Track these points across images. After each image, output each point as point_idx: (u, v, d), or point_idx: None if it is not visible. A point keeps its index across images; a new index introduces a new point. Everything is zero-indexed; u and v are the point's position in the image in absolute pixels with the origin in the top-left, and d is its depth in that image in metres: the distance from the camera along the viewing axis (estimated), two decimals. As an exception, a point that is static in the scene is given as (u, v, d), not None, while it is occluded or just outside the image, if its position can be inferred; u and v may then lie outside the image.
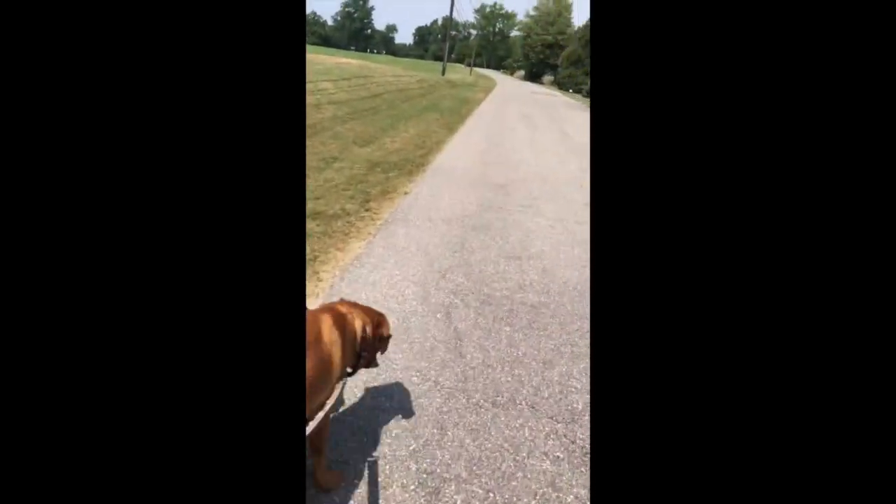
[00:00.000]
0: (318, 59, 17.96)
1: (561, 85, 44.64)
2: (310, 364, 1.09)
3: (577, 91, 38.20)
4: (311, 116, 7.87)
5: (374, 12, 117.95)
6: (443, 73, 29.34)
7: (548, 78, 57.72)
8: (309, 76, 9.86)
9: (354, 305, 1.44)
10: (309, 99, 8.57)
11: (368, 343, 1.39)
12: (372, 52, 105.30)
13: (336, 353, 1.24)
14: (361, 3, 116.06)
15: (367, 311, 1.46)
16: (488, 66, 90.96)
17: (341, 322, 1.30)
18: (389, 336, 1.52)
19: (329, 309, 1.33)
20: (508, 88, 31.29)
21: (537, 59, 60.26)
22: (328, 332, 1.23)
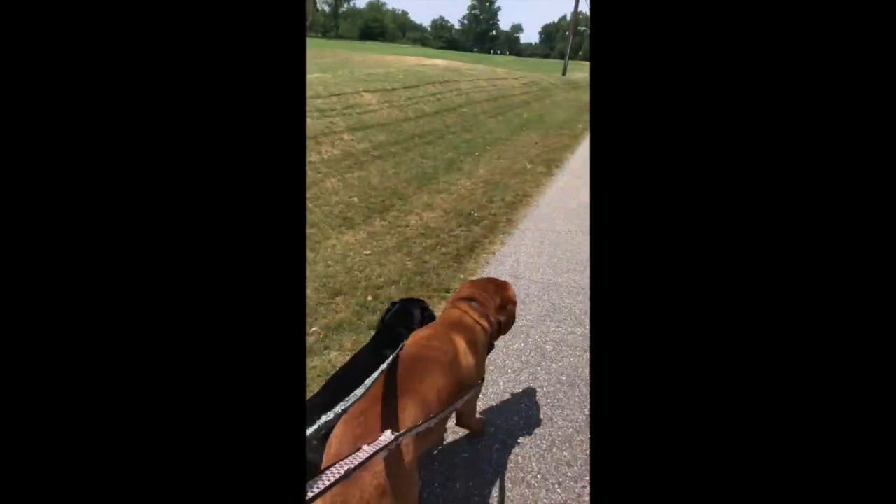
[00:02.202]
0: (383, 61, 15.38)
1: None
2: (445, 386, 1.15)
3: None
4: (308, 155, 4.76)
5: (500, 13, 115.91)
6: (563, 72, 25.44)
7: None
8: (348, 84, 7.04)
9: (478, 297, 1.45)
10: (314, 125, 5.35)
11: (496, 331, 1.47)
12: (495, 52, 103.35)
13: (472, 366, 1.30)
14: (488, 4, 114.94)
15: (490, 294, 1.47)
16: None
17: (471, 336, 1.34)
18: (514, 305, 1.54)
19: (457, 326, 1.34)
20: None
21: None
22: (463, 354, 1.28)
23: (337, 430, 1.02)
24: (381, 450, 0.87)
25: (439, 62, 12.95)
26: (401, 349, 1.21)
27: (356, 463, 0.80)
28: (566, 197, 5.06)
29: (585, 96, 16.67)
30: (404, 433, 0.95)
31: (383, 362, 1.10)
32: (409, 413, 1.06)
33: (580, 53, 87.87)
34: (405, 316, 1.62)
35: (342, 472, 0.77)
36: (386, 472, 0.93)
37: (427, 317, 1.64)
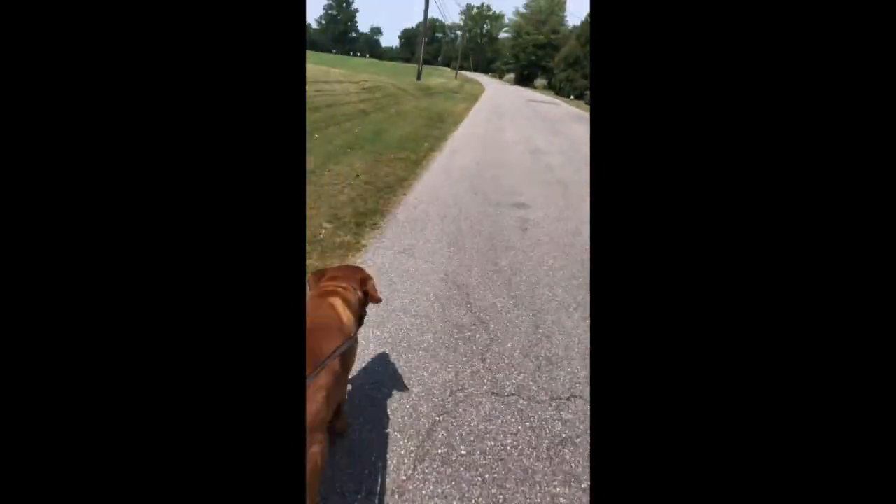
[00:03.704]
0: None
1: (558, 90, 39.39)
2: (336, 338, 1.35)
3: (579, 97, 32.76)
4: None
5: (358, 14, 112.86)
6: (418, 76, 23.69)
7: (540, 81, 52.91)
8: None
9: (343, 276, 1.65)
10: None
11: (363, 302, 1.65)
12: (354, 55, 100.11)
13: (352, 327, 1.50)
14: (345, 5, 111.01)
15: (352, 275, 1.67)
16: (476, 70, 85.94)
17: (346, 298, 1.53)
18: (372, 280, 1.71)
19: (333, 292, 1.52)
20: (499, 95, 25.68)
21: (528, 60, 55.24)
22: (344, 312, 1.49)
23: None
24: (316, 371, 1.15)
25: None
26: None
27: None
28: (378, 310, 2.70)
29: (439, 104, 14.81)
30: (326, 359, 1.22)
31: None
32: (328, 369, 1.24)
33: (439, 59, 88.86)
34: None
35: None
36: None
37: None
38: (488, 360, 2.32)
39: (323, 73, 11.43)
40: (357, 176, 5.34)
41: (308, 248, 3.33)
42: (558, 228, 4.38)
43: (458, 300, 2.87)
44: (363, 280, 1.69)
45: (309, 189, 4.64)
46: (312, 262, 3.14)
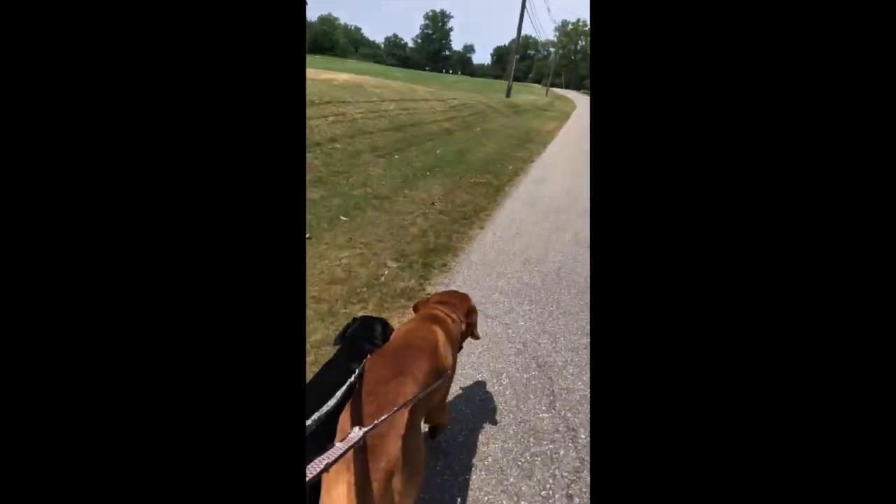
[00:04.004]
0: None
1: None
2: (428, 370, 1.23)
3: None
4: None
5: (452, 33, 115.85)
6: (507, 93, 23.25)
7: (638, 99, 49.83)
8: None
9: (451, 302, 1.60)
10: None
11: (465, 335, 1.61)
12: (447, 72, 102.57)
13: (449, 357, 1.41)
14: (440, 24, 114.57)
15: (460, 304, 1.61)
16: (567, 87, 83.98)
17: (447, 329, 1.46)
18: (477, 313, 1.68)
19: (435, 319, 1.47)
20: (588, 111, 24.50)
21: (626, 77, 52.44)
22: (443, 344, 1.39)
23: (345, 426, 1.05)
24: (384, 419, 0.98)
25: (342, 76, 9.98)
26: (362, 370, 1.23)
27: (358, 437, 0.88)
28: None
29: (528, 123, 14.19)
30: (401, 407, 1.04)
31: (351, 376, 1.17)
32: (410, 391, 1.12)
33: (530, 76, 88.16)
34: (368, 330, 1.61)
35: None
36: (397, 447, 1.00)
37: (388, 331, 1.62)
38: (576, 500, 1.65)
39: (409, 90, 11.29)
40: (432, 204, 4.87)
41: (366, 293, 2.87)
42: None
43: (539, 387, 2.22)
44: (469, 311, 1.64)
45: (380, 218, 4.25)
46: (369, 311, 2.67)
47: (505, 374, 2.29)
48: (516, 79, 51.31)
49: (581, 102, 36.75)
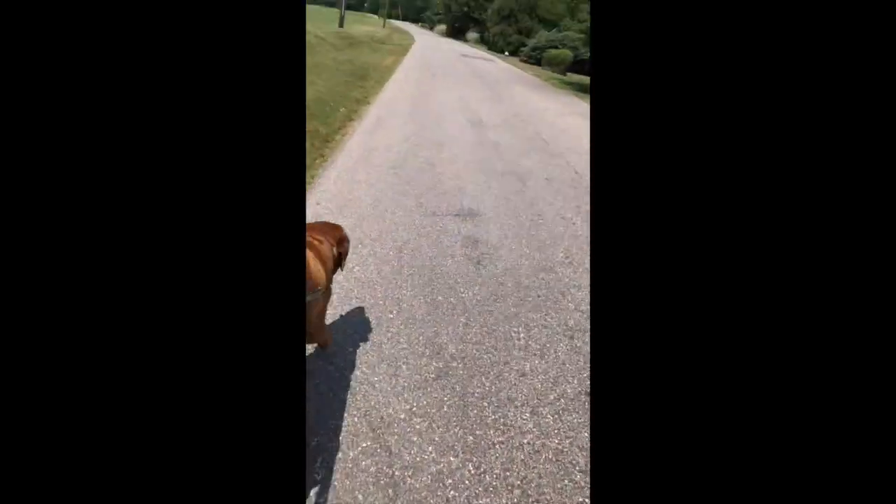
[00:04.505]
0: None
1: (490, 45, 37.59)
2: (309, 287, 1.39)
3: (514, 53, 31.32)
4: None
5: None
6: (340, 24, 21.05)
7: (472, 35, 50.55)
8: None
9: (320, 229, 1.69)
10: None
11: (336, 261, 1.71)
12: None
13: (321, 274, 1.52)
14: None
15: (329, 231, 1.71)
16: (405, 19, 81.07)
17: (315, 250, 1.55)
18: (348, 241, 1.79)
19: (309, 245, 1.54)
20: (430, 48, 23.61)
21: (460, 12, 52.33)
22: (312, 263, 1.49)
23: None
24: None
25: None
26: None
27: None
28: None
29: (364, 57, 12.84)
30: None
31: None
32: None
33: (365, 5, 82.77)
34: None
35: None
36: None
37: None
38: None
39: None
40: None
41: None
42: (525, 262, 3.09)
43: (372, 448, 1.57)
44: (340, 240, 1.72)
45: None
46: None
47: (345, 435, 1.58)
48: (351, 8, 47.39)
49: (419, 35, 35.55)
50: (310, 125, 5.22)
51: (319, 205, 3.33)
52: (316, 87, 7.50)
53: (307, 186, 3.59)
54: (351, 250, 2.76)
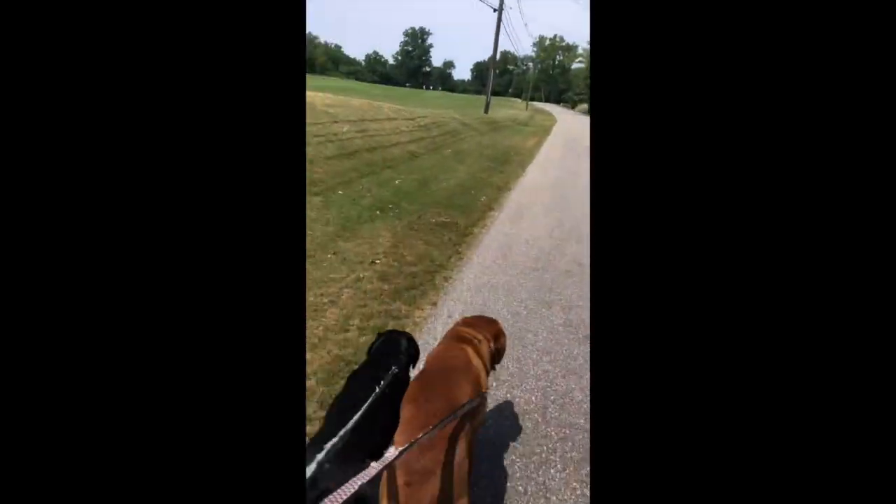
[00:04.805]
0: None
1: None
2: (468, 390, 1.27)
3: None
4: None
5: (432, 49, 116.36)
6: (486, 109, 22.25)
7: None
8: None
9: (477, 324, 1.61)
10: None
11: (494, 356, 1.59)
12: (428, 88, 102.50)
13: (482, 374, 1.42)
14: (420, 41, 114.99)
15: (486, 327, 1.62)
16: (547, 100, 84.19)
17: (475, 348, 1.48)
18: (505, 337, 1.69)
19: (464, 339, 1.50)
20: (573, 127, 23.55)
21: (605, 90, 52.35)
22: (475, 361, 1.42)
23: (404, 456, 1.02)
24: (431, 431, 1.03)
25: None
26: (392, 377, 1.39)
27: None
28: None
29: (506, 140, 13.05)
30: (437, 425, 1.05)
31: (378, 389, 1.27)
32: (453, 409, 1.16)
33: (510, 90, 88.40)
34: (392, 345, 1.63)
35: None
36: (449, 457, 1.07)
37: (413, 346, 1.66)
38: None
39: (371, 108, 10.03)
40: (372, 262, 3.58)
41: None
42: None
43: None
44: (497, 334, 1.63)
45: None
46: None
47: None
48: (496, 94, 50.78)
49: (560, 115, 36.10)
50: (447, 216, 5.03)
51: (450, 317, 2.90)
52: (457, 174, 7.53)
53: (437, 300, 3.21)
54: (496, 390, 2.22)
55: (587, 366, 2.52)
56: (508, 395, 2.22)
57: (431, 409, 1.15)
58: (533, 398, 2.21)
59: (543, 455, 1.87)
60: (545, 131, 18.62)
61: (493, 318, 1.73)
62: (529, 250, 4.30)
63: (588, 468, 1.81)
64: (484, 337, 1.55)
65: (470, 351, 1.45)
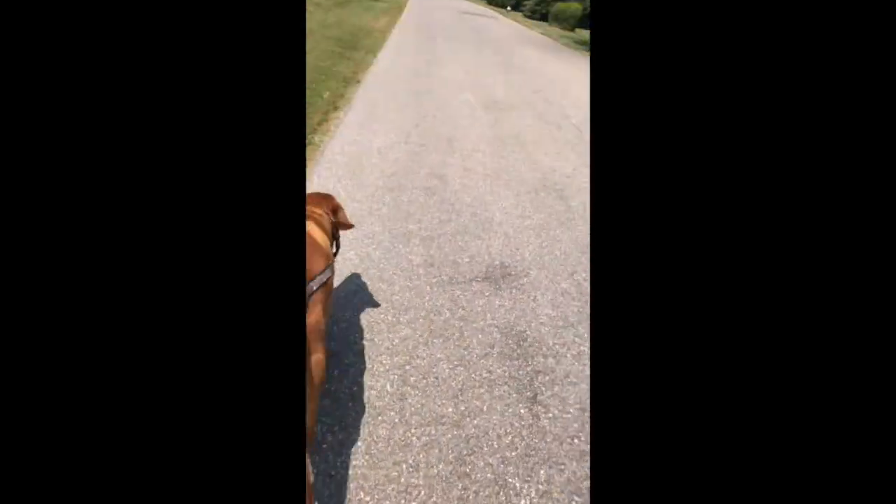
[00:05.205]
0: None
1: (491, 0, 35.02)
2: (321, 262, 1.34)
3: (515, 8, 29.03)
4: None
5: None
6: (328, -21, 19.01)
7: (473, -12, 47.50)
8: None
9: (314, 202, 1.65)
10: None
11: (335, 228, 1.70)
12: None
13: (328, 248, 1.51)
14: None
15: (322, 202, 1.69)
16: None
17: (319, 222, 1.55)
18: (344, 213, 1.75)
19: (308, 217, 1.52)
20: (428, 6, 21.58)
21: (459, -38, 48.93)
22: (320, 236, 1.47)
23: None
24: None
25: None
26: None
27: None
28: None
29: (354, 17, 11.27)
30: (317, 281, 1.26)
31: None
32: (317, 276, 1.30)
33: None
34: None
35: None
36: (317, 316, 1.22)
37: None
38: None
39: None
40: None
41: None
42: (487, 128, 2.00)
43: None
44: (334, 208, 1.70)
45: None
46: None
47: None
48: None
49: (416, -9, 32.97)
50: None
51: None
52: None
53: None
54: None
55: (454, 321, 2.06)
56: (355, 387, 1.68)
57: None
58: (388, 386, 1.71)
59: (403, 480, 1.40)
60: (399, 8, 16.67)
61: (328, 193, 1.76)
62: (382, 164, 3.59)
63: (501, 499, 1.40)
64: (324, 211, 1.62)
65: (313, 227, 1.48)
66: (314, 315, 1.20)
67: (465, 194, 3.29)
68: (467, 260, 2.55)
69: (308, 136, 3.91)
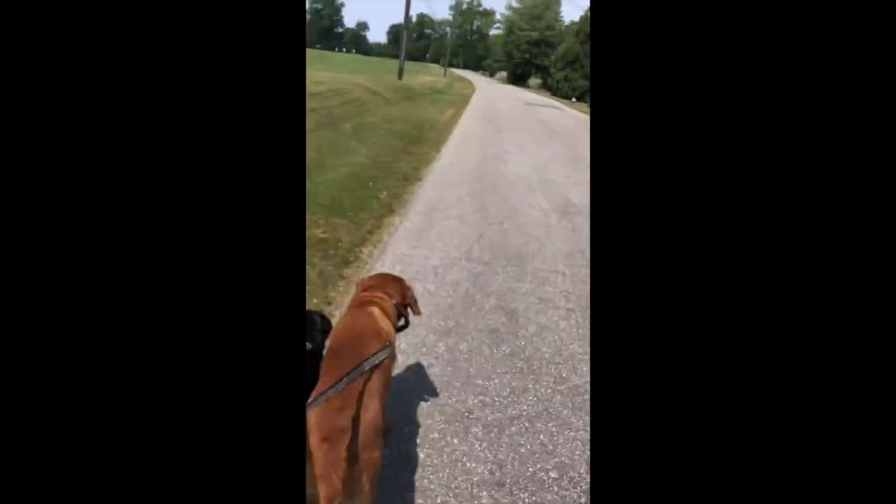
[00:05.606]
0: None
1: (555, 90, 36.24)
2: (377, 345, 1.29)
3: (580, 98, 29.58)
4: None
5: (344, 9, 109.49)
6: (399, 75, 20.27)
7: (534, 81, 49.91)
8: None
9: (378, 285, 1.61)
10: None
11: (401, 312, 1.60)
12: (340, 50, 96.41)
13: (389, 326, 1.47)
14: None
15: (389, 284, 1.63)
16: (465, 67, 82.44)
17: (381, 306, 1.50)
18: (413, 297, 1.68)
19: (367, 302, 1.50)
20: (493, 97, 22.31)
21: (521, 58, 51.96)
22: (382, 322, 1.44)
23: (314, 413, 1.06)
24: (354, 373, 1.14)
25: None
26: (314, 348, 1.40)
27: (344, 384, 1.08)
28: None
29: (420, 111, 11.43)
30: (344, 376, 1.13)
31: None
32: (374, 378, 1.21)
33: (428, 55, 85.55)
34: (308, 323, 1.58)
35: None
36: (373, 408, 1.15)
37: (326, 324, 1.63)
38: None
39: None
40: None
41: None
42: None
43: None
44: (402, 291, 1.64)
45: None
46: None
47: None
48: (414, 59, 48.09)
49: (480, 83, 34.80)
50: (331, 228, 3.48)
51: None
52: (354, 156, 5.91)
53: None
54: None
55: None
56: None
57: (341, 373, 1.14)
58: None
59: None
60: (464, 101, 17.17)
61: (398, 275, 1.72)
62: (439, 289, 2.90)
63: None
64: (387, 293, 1.56)
65: (375, 311, 1.45)
66: (371, 411, 1.13)
67: (542, 343, 2.48)
68: (554, 475, 1.69)
69: (357, 248, 3.36)
